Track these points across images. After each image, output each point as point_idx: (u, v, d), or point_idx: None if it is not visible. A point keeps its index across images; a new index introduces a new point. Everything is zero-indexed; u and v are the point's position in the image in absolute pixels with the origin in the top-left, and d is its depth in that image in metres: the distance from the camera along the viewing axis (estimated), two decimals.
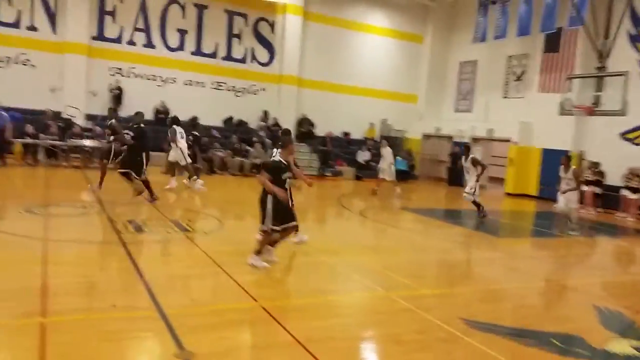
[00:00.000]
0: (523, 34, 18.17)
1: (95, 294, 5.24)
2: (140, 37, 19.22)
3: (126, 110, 18.61)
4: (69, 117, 17.27)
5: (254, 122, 20.98)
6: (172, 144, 12.74)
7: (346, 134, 22.87)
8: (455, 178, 18.93)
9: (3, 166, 14.65)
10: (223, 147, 18.60)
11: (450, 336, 4.63)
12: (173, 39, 19.71)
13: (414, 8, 23.24)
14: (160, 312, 4.57)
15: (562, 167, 11.12)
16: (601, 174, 16.03)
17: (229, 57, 20.72)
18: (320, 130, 21.37)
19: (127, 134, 10.41)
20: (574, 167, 10.97)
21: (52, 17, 17.98)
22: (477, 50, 21.45)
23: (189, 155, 12.83)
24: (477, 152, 19.87)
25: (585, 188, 15.73)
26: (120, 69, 18.96)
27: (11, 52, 17.40)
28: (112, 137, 11.15)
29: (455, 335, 4.63)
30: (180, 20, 19.75)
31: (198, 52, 20.17)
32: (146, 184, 10.50)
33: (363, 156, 21.25)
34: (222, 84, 20.71)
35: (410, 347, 4.45)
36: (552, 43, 18.28)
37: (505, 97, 20.86)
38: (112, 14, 18.77)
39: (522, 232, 12.67)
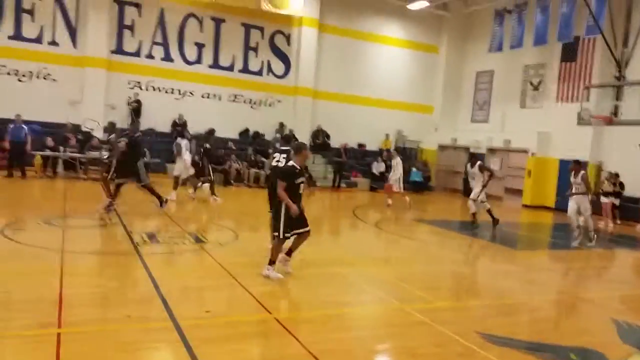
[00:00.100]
0: (540, 43, 18.06)
1: (111, 305, 5.29)
2: (158, 51, 19.52)
3: (145, 122, 18.96)
4: (88, 130, 17.55)
5: (270, 134, 21.10)
6: (178, 158, 13.00)
7: (361, 146, 22.85)
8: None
9: (23, 178, 14.91)
10: (239, 159, 18.73)
11: (466, 350, 4.57)
12: (191, 53, 19.99)
13: (429, 18, 23.24)
14: (174, 324, 4.59)
15: (572, 173, 11.00)
16: (621, 184, 15.76)
17: (245, 70, 20.93)
18: (335, 142, 21.39)
19: (120, 141, 10.42)
20: (582, 171, 10.82)
21: (72, 32, 18.37)
22: (494, 60, 21.35)
23: (199, 167, 13.03)
24: (494, 163, 19.79)
25: (604, 200, 15.49)
26: (139, 82, 19.26)
27: (33, 66, 17.81)
28: (110, 152, 11.26)
29: (472, 349, 4.57)
30: (198, 33, 20.03)
31: (215, 65, 20.41)
32: (152, 190, 10.62)
33: (378, 167, 21.21)
34: (238, 97, 20.90)
35: None
36: (570, 52, 18.13)
37: (523, 107, 20.68)
38: (131, 28, 19.11)
39: (539, 244, 12.51)
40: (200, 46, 20.11)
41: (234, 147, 19.45)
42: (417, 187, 20.68)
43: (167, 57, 19.66)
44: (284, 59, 21.50)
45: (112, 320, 4.75)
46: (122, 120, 17.35)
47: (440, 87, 23.74)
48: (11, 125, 15.10)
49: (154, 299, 5.30)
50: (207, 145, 13.44)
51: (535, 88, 20.23)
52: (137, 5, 19.12)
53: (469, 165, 12.49)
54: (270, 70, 21.35)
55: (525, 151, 19.11)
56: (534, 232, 14.61)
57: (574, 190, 10.87)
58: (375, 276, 7.19)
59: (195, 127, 17.54)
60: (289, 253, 6.57)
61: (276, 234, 6.34)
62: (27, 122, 15.57)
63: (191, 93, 20.07)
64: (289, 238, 6.38)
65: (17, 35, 17.63)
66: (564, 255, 10.44)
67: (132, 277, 6.30)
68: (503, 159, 20.50)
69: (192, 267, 7.09)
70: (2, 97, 16.89)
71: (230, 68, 20.67)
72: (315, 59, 21.53)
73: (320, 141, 21.33)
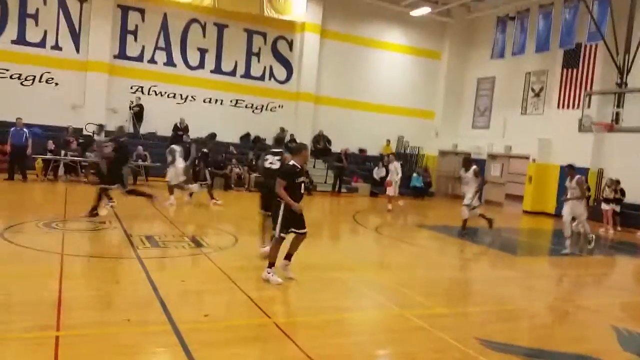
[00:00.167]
0: (542, 50, 18.09)
1: (110, 308, 5.29)
2: (161, 56, 19.61)
3: (146, 127, 19.03)
4: (90, 133, 17.60)
5: (271, 138, 21.04)
6: (170, 165, 13.07)
7: (362, 151, 22.88)
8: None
9: (23, 181, 14.95)
10: (240, 163, 18.75)
11: (465, 356, 4.55)
12: (193, 58, 20.07)
13: (431, 24, 23.31)
14: (173, 327, 4.59)
15: (568, 177, 10.97)
16: (622, 191, 15.74)
17: (247, 75, 21.00)
18: (336, 147, 21.42)
19: (107, 146, 10.40)
20: (577, 176, 10.78)
21: (76, 37, 18.47)
22: (495, 66, 21.39)
23: (196, 170, 13.16)
24: (495, 169, 19.79)
25: (605, 206, 15.48)
26: (141, 86, 19.34)
27: (37, 70, 17.92)
28: (94, 152, 11.31)
29: (471, 356, 4.55)
30: (200, 39, 20.11)
31: (217, 70, 20.49)
32: (137, 192, 10.74)
33: (379, 173, 21.20)
34: (240, 102, 20.97)
35: None
36: (571, 59, 18.16)
37: (524, 114, 20.71)
38: (134, 33, 19.21)
39: (539, 250, 12.48)
40: (202, 51, 20.19)
41: (235, 152, 19.48)
42: (418, 192, 20.67)
43: (170, 62, 19.75)
44: (286, 64, 21.57)
45: (111, 323, 4.74)
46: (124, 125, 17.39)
47: (441, 93, 23.78)
48: (12, 129, 15.16)
49: (153, 303, 5.30)
50: (205, 150, 13.49)
51: (537, 94, 20.26)
52: (140, 11, 19.22)
53: (462, 170, 12.32)
54: (272, 75, 21.42)
55: (526, 157, 19.12)
56: (534, 238, 14.59)
57: (569, 195, 10.85)
58: (375, 281, 7.18)
59: (197, 131, 17.60)
60: (288, 257, 6.57)
61: (273, 232, 6.37)
62: (29, 126, 15.64)
63: (193, 98, 20.14)
64: (285, 238, 6.39)
65: (21, 40, 17.75)
66: (564, 262, 10.41)
67: (131, 281, 6.29)
68: (504, 165, 20.50)
69: (191, 271, 7.09)
70: (6, 100, 17.00)
71: (233, 73, 20.74)
72: (317, 65, 21.59)
73: (321, 146, 21.37)
